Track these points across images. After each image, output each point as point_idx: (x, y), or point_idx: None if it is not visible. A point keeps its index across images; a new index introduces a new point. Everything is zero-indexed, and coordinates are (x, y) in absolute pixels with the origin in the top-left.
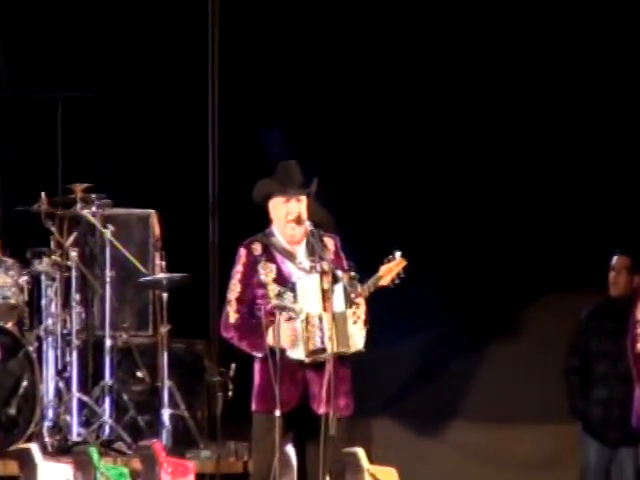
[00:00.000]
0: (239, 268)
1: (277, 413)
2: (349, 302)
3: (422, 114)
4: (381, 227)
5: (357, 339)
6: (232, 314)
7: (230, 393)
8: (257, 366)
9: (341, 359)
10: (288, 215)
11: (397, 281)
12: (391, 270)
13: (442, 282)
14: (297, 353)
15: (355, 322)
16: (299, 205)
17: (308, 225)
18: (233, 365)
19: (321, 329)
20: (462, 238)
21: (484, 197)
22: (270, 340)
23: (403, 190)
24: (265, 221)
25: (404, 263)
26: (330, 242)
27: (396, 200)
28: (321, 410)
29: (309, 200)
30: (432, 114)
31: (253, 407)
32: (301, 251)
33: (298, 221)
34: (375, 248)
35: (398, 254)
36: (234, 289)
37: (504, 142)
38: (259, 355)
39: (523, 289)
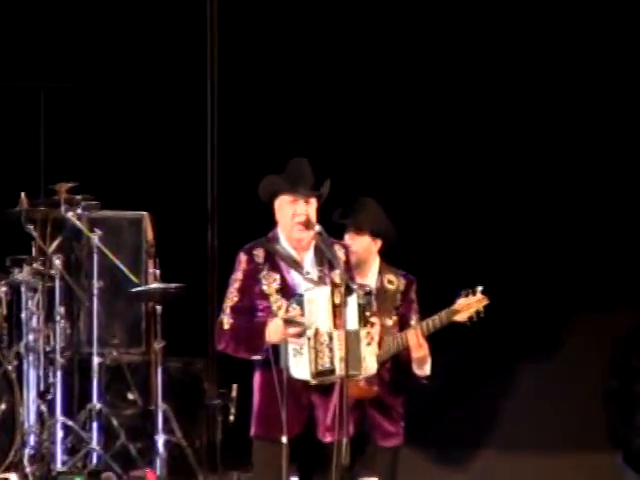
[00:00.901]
0: (238, 276)
1: (284, 440)
2: (364, 320)
3: (446, 126)
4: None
5: (370, 362)
6: (226, 321)
7: (232, 417)
8: (257, 383)
9: (391, 385)
10: (295, 217)
11: (475, 319)
12: (470, 306)
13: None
14: (302, 372)
15: (369, 344)
16: (308, 207)
17: (318, 229)
18: (235, 386)
19: (330, 348)
20: (491, 253)
21: (515, 211)
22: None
23: (428, 205)
24: (270, 226)
25: (486, 302)
26: (340, 251)
27: (421, 214)
28: (327, 438)
29: (373, 206)
30: (456, 128)
31: (252, 432)
32: (308, 259)
33: (306, 225)
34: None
35: (480, 289)
36: (231, 297)
37: (540, 162)
38: (258, 357)
39: (556, 306)
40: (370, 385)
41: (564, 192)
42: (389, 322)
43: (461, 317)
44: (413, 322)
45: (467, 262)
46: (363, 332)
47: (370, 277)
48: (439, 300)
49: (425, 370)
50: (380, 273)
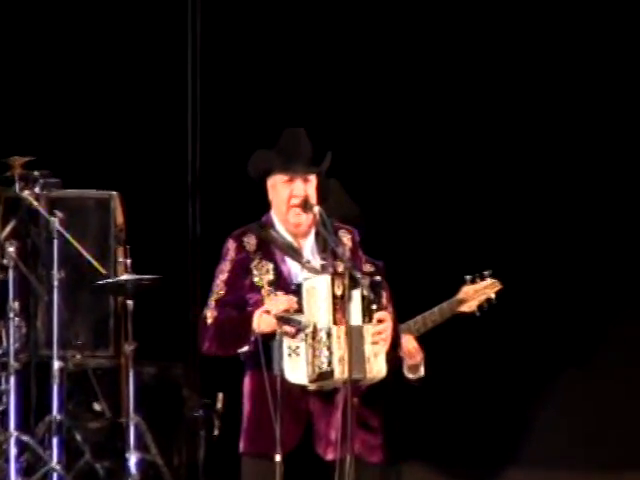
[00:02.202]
0: (226, 266)
1: (277, 458)
2: (368, 315)
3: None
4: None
5: (377, 365)
6: (210, 315)
7: (216, 432)
8: (246, 389)
9: (367, 394)
10: (291, 199)
11: (485, 308)
12: (479, 292)
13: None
14: (299, 376)
15: (376, 342)
16: (306, 186)
17: (317, 211)
18: (220, 395)
19: (329, 347)
20: (519, 250)
21: (564, 206)
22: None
23: (468, 195)
24: (261, 206)
25: (499, 286)
26: (346, 236)
27: (465, 208)
28: (330, 455)
29: (338, 189)
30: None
31: (241, 447)
32: (308, 246)
33: (304, 207)
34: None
35: (488, 273)
36: (217, 291)
37: (577, 156)
38: (245, 349)
39: (594, 309)
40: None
41: (617, 183)
42: None
43: (469, 307)
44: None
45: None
46: (368, 328)
47: None
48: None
49: (420, 372)
50: None
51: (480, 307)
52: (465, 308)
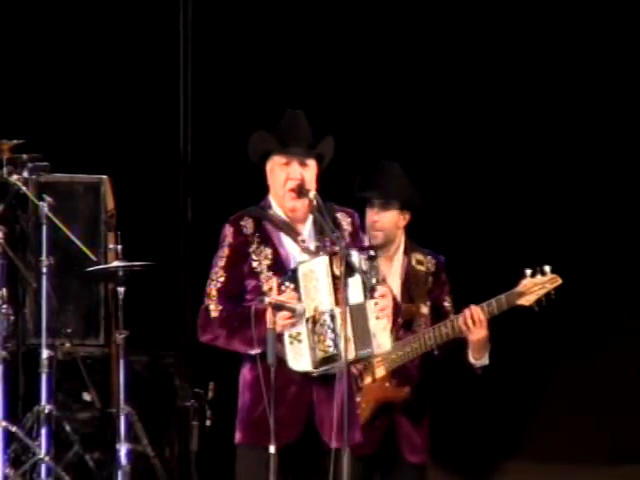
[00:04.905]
0: (224, 252)
1: (272, 449)
2: (369, 290)
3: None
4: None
5: (382, 339)
6: (214, 308)
7: (208, 422)
8: (246, 379)
9: (420, 386)
10: (287, 182)
11: (544, 303)
12: (538, 287)
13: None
14: (303, 363)
15: (378, 318)
16: (303, 170)
17: (313, 197)
18: (212, 384)
19: (333, 329)
20: (539, 238)
21: (576, 200)
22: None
23: (466, 169)
24: (258, 191)
25: (559, 282)
26: (345, 219)
27: (456, 182)
28: (335, 442)
29: (399, 173)
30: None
31: (237, 439)
32: (306, 231)
33: (299, 192)
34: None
35: (548, 268)
36: (216, 278)
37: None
38: (257, 351)
39: (607, 301)
40: (399, 385)
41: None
42: (425, 309)
43: (527, 300)
44: (447, 304)
45: (500, 245)
46: (370, 304)
47: (396, 259)
48: (474, 285)
49: (484, 358)
50: (406, 253)
51: (539, 302)
52: (523, 301)
